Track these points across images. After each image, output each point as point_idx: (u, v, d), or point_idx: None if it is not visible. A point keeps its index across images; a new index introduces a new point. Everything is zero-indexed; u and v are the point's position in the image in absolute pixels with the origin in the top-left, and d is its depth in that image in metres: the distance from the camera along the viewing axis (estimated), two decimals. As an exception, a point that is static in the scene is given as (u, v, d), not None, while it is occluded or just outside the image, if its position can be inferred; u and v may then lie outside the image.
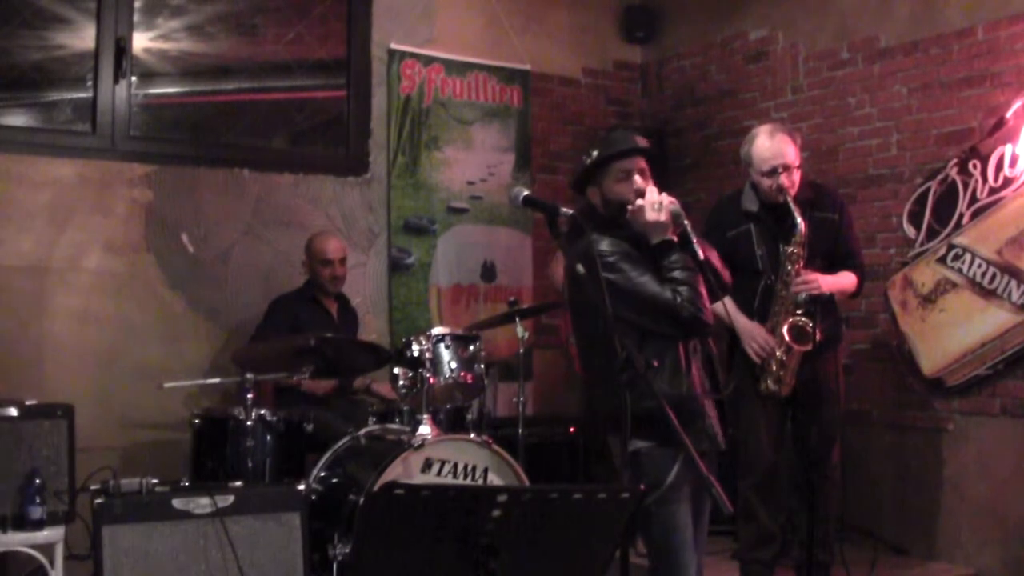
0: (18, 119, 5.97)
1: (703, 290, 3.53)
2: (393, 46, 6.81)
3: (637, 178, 3.63)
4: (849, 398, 5.45)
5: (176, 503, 4.13)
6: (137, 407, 5.79)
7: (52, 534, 4.62)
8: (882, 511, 6.02)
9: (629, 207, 3.60)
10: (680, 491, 3.56)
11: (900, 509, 5.97)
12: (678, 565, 3.59)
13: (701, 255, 3.59)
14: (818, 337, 4.75)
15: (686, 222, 3.60)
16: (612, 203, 3.67)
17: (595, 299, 3.35)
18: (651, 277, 3.52)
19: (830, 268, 4.94)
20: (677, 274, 3.52)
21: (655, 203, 3.55)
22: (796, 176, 4.88)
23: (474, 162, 7.11)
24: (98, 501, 4.06)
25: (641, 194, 3.59)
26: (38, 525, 4.56)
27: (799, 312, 4.78)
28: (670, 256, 3.55)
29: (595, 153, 3.70)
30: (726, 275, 3.87)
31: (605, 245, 3.55)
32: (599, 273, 3.38)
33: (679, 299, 3.47)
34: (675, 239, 3.59)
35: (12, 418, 4.66)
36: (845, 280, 4.97)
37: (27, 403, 4.77)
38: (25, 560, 4.67)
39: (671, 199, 3.58)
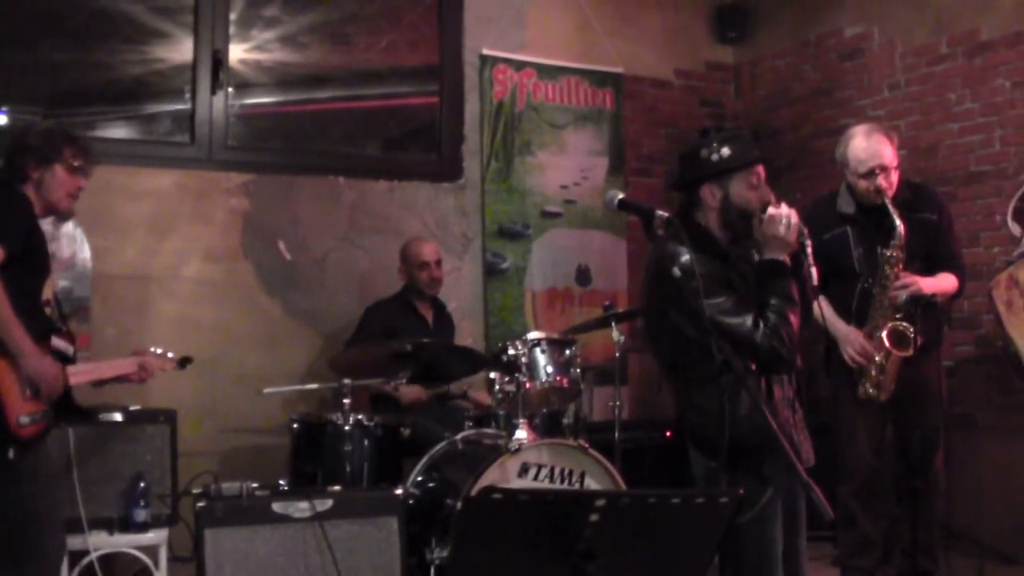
0: (120, 131, 6.11)
1: (795, 321, 3.28)
2: (485, 52, 6.83)
3: (772, 195, 3.40)
4: (952, 402, 5.34)
5: (276, 507, 4.19)
6: (237, 412, 5.88)
7: (156, 536, 4.74)
8: (988, 518, 5.87)
9: (762, 216, 3.35)
10: (774, 507, 3.36)
11: (1007, 516, 5.82)
12: None
13: (815, 279, 3.37)
14: (919, 342, 4.66)
15: (807, 240, 3.37)
16: (735, 208, 3.42)
17: (694, 303, 3.16)
18: (733, 303, 3.28)
19: (929, 270, 4.83)
20: (773, 300, 3.28)
21: (785, 217, 3.31)
22: (894, 177, 4.79)
23: (567, 166, 7.10)
24: (200, 504, 4.14)
25: (768, 205, 3.36)
26: (143, 527, 4.70)
27: (899, 316, 4.69)
28: (777, 279, 3.32)
29: (726, 152, 3.42)
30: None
31: (685, 260, 3.25)
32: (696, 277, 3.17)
33: (760, 329, 3.24)
34: (788, 262, 3.36)
35: (117, 423, 4.80)
36: (946, 282, 4.85)
37: (131, 408, 4.90)
38: (130, 561, 4.80)
39: (796, 216, 3.34)
